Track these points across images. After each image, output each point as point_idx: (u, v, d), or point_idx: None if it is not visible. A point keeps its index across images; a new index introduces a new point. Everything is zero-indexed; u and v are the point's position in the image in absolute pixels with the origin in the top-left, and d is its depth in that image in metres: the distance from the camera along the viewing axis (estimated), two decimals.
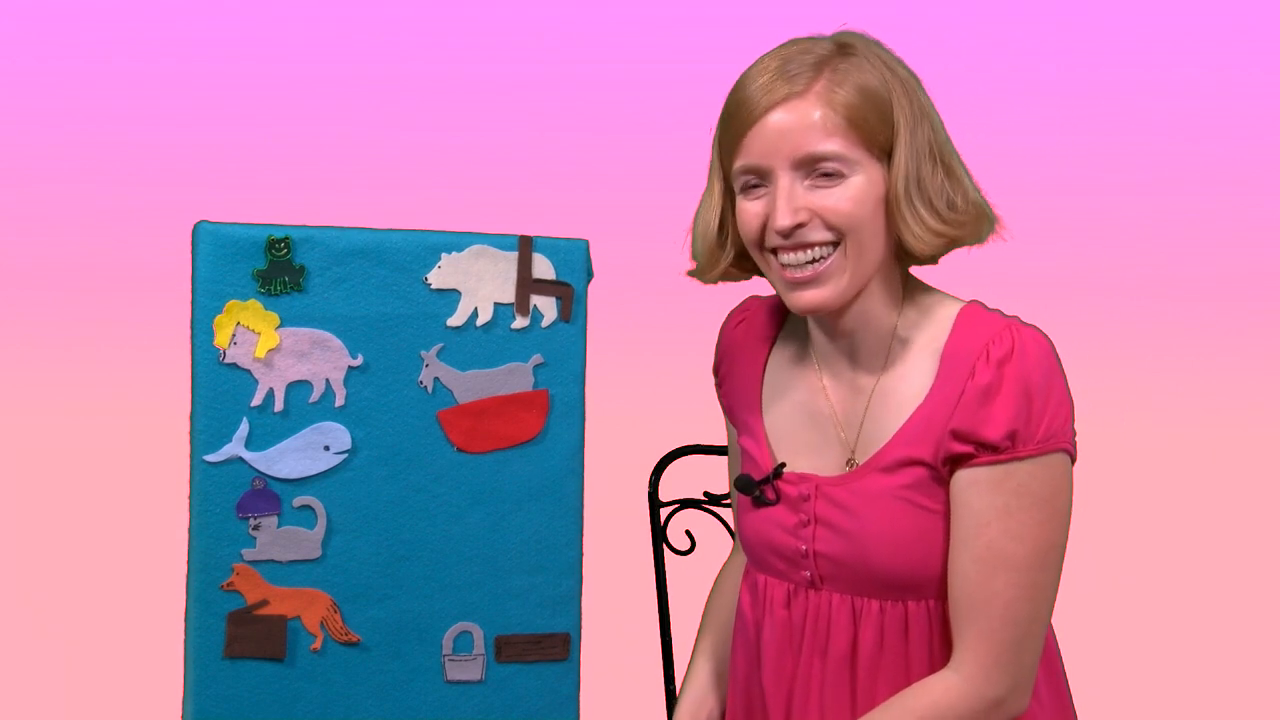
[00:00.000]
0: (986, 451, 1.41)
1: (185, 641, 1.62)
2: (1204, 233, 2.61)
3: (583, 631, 1.70)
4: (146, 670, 2.01)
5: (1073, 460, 1.46)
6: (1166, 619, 2.48)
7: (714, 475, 1.95)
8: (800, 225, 1.42)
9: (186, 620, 1.61)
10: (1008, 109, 2.52)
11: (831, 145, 1.40)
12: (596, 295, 1.69)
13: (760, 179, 1.44)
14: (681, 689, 1.72)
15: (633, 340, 2.35)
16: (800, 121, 1.40)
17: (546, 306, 1.66)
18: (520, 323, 1.65)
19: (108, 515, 2.42)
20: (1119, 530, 2.44)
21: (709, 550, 1.92)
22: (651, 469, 1.96)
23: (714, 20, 2.57)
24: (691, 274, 1.57)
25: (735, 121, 1.44)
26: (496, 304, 1.65)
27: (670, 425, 2.14)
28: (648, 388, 2.43)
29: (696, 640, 1.74)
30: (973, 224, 1.45)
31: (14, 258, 2.47)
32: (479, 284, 1.64)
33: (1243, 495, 2.55)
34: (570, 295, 1.66)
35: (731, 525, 1.96)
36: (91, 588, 2.40)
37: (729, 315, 1.70)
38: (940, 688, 1.45)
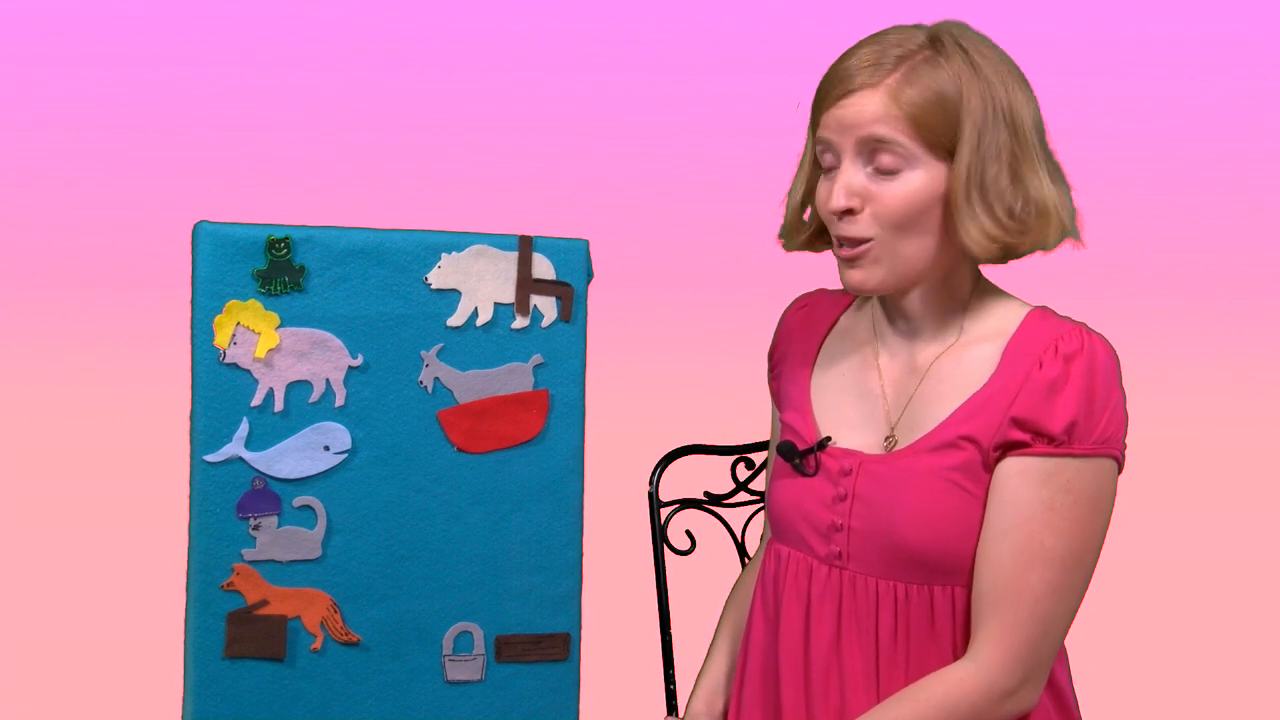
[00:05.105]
0: (1043, 442, 1.43)
1: (185, 641, 1.62)
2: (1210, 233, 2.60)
3: (583, 631, 1.70)
4: (146, 670, 2.01)
5: (1119, 470, 1.48)
6: (1173, 625, 2.47)
7: (714, 475, 1.95)
8: (852, 211, 1.47)
9: (186, 620, 1.61)
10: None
11: (891, 133, 1.44)
12: (596, 295, 1.69)
13: (835, 159, 1.49)
14: (698, 678, 1.73)
15: (633, 340, 2.34)
16: (867, 112, 1.45)
17: (546, 306, 1.66)
18: (520, 323, 1.65)
19: (108, 515, 2.41)
20: (1127, 536, 2.43)
21: (709, 550, 1.92)
22: (651, 469, 1.96)
23: (714, 21, 2.57)
24: (779, 238, 1.62)
25: (819, 99, 1.50)
26: (496, 304, 1.65)
27: (670, 425, 2.14)
28: (648, 388, 2.42)
29: (717, 631, 1.75)
30: (1035, 231, 1.47)
31: (13, 257, 2.46)
32: (479, 284, 1.64)
33: (1249, 499, 2.55)
34: (570, 295, 1.66)
35: (732, 525, 1.96)
36: (92, 588, 2.39)
37: (793, 302, 1.73)
38: (955, 677, 1.46)
